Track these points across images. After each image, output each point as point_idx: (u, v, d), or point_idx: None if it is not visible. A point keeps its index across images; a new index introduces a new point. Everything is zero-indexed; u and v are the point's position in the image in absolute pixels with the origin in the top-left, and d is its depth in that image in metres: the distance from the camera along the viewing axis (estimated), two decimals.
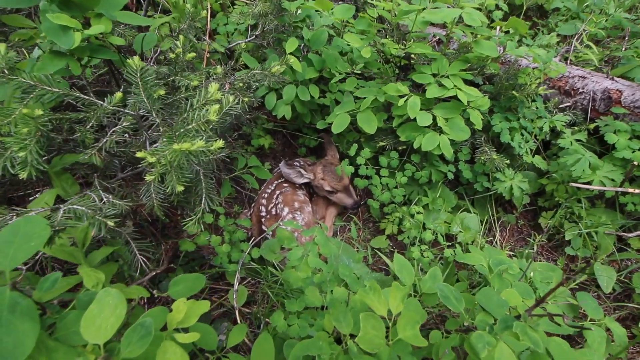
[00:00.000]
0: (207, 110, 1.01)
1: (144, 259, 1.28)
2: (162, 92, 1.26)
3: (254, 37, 2.43)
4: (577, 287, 2.14)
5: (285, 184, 2.44)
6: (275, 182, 2.46)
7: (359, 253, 1.51)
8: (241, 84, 1.45)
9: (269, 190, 2.41)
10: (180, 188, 1.01)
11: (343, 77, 2.19)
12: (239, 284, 2.08)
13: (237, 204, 2.61)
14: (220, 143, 1.00)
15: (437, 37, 2.71)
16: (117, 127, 1.14)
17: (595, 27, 2.68)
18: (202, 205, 1.16)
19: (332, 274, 1.58)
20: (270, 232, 2.32)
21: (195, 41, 2.16)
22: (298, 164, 2.48)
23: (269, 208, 2.33)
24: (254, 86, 1.54)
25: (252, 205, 2.50)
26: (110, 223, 1.01)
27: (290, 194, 2.39)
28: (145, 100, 1.20)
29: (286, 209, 2.31)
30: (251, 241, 2.08)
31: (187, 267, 2.11)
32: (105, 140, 1.11)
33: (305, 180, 2.43)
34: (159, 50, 1.84)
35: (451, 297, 1.06)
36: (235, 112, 1.31)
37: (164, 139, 0.99)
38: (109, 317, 0.78)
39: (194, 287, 1.25)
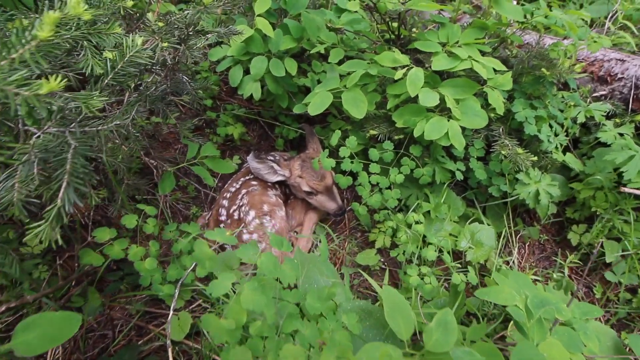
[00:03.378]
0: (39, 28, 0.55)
1: None
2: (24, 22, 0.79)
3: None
4: (617, 322, 1.68)
5: (254, 182, 1.96)
6: (242, 179, 1.99)
7: (332, 282, 1.04)
8: (161, 24, 0.99)
9: (233, 189, 1.94)
10: None
11: (327, 47, 1.73)
12: (179, 310, 1.61)
13: (196, 204, 2.14)
14: (53, 84, 0.53)
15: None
16: None
17: (631, 5, 2.25)
18: (59, 200, 0.70)
19: (298, 306, 1.11)
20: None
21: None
22: (272, 159, 2.01)
23: (231, 211, 1.85)
24: (190, 35, 1.08)
25: (212, 206, 2.02)
26: None
27: (259, 195, 1.91)
28: None
29: (252, 213, 1.84)
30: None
31: (114, 286, 1.63)
32: None
33: (280, 178, 1.96)
34: None
35: None
36: (145, 61, 0.85)
37: None
38: None
39: (59, 334, 0.78)
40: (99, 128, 0.79)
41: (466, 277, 1.35)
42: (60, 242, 0.70)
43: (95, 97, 0.69)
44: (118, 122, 0.81)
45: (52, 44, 0.57)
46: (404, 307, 0.85)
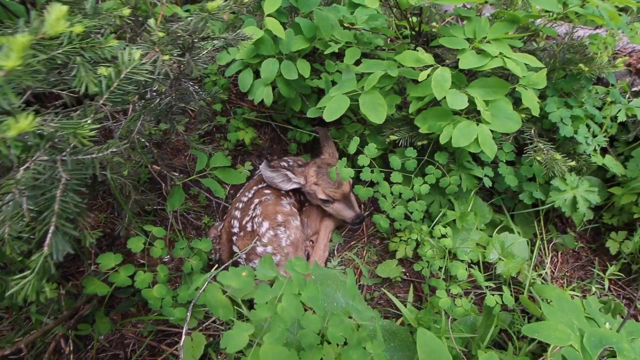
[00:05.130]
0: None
1: None
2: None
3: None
4: None
5: (266, 190, 1.87)
6: (255, 187, 1.90)
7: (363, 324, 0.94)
8: (162, 34, 0.89)
9: (245, 199, 1.85)
10: None
11: (342, 47, 1.62)
12: (193, 331, 1.53)
13: (207, 214, 2.06)
14: (24, 124, 0.43)
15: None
16: None
17: None
18: (45, 247, 0.61)
19: (318, 334, 1.02)
20: (244, 255, 1.76)
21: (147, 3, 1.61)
22: (286, 165, 1.92)
23: (244, 222, 1.77)
24: (195, 43, 0.98)
25: (225, 217, 1.94)
26: None
27: (273, 204, 1.82)
28: None
29: (266, 224, 1.75)
30: (212, 271, 1.53)
31: (125, 303, 1.56)
32: None
33: (294, 186, 1.87)
34: None
35: None
36: (144, 77, 0.75)
37: None
38: None
39: None
40: (94, 155, 0.70)
41: (501, 298, 1.24)
42: (48, 294, 0.62)
43: (85, 125, 0.60)
44: (114, 150, 0.72)
45: (25, 72, 0.48)
46: (441, 354, 0.75)
